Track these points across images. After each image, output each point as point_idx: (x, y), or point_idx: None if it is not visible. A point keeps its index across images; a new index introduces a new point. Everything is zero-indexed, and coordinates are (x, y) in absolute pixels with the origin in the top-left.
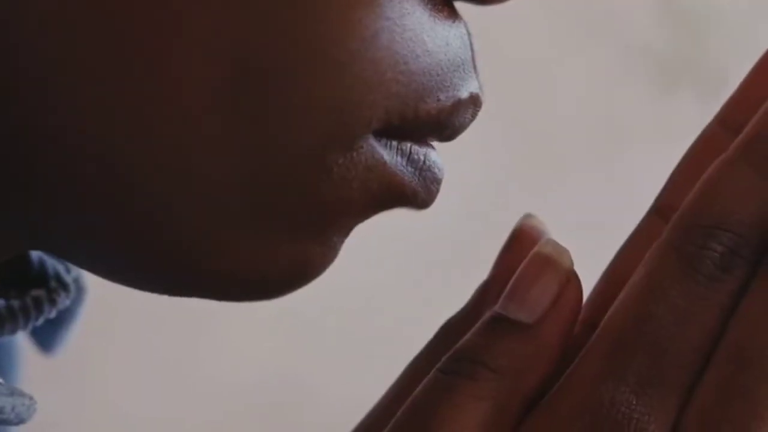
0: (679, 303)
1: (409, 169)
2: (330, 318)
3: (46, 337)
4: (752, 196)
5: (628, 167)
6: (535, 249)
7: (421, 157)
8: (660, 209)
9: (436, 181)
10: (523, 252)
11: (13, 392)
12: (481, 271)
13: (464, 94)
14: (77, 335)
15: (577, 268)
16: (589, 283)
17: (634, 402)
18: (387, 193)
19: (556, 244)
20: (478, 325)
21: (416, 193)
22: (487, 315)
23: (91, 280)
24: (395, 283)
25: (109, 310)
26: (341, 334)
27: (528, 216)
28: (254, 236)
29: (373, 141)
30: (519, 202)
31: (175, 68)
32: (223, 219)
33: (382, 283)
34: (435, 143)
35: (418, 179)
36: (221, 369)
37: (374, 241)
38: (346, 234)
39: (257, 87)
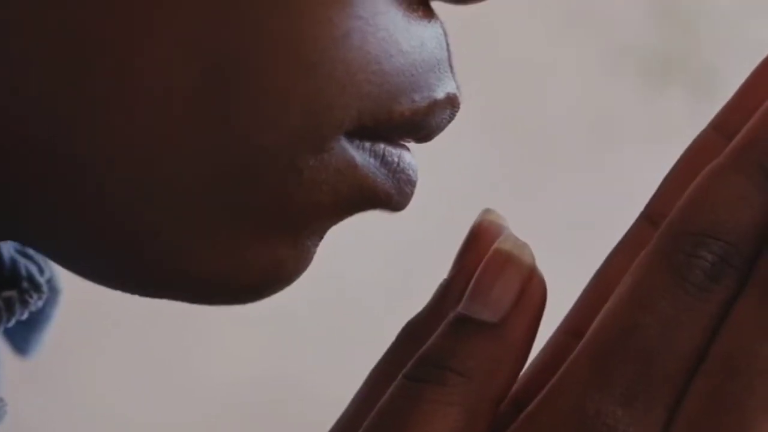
0: (668, 312)
1: (382, 171)
2: (320, 317)
3: (20, 339)
4: (743, 204)
5: (618, 166)
6: (495, 246)
7: (395, 159)
8: (650, 215)
9: (410, 183)
10: (483, 249)
11: None
12: None
13: (440, 95)
14: (65, 335)
15: (567, 268)
16: (578, 284)
17: (620, 413)
18: (359, 196)
19: (516, 240)
20: (441, 327)
21: (389, 195)
22: (450, 316)
23: (78, 279)
24: (387, 282)
25: (97, 311)
26: (332, 332)
27: (487, 211)
28: (225, 239)
29: (344, 142)
30: (509, 201)
31: (142, 69)
32: (193, 221)
33: (373, 282)
34: (417, 144)
35: (392, 181)
36: (211, 368)
37: (366, 239)
38: (320, 236)
39: (226, 87)
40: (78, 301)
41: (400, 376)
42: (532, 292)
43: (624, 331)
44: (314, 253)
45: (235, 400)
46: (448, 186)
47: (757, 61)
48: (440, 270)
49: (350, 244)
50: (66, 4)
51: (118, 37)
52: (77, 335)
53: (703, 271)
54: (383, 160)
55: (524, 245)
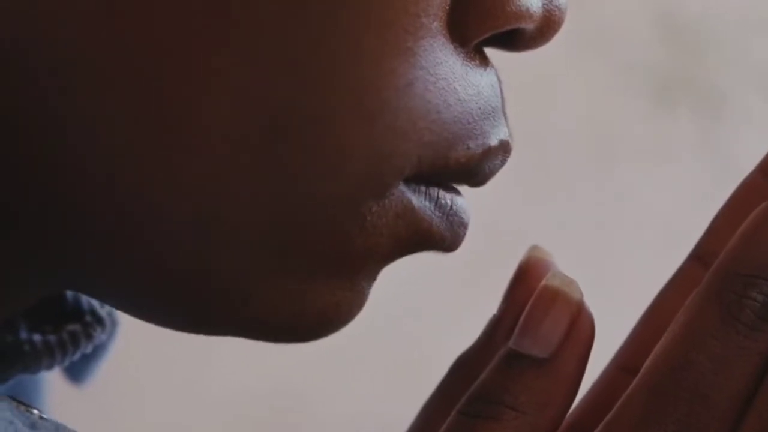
0: (719, 352)
1: (437, 213)
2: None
3: (78, 370)
4: None
5: (624, 184)
6: (543, 282)
7: (449, 202)
8: (700, 255)
9: (463, 226)
10: (531, 285)
11: (58, 428)
12: (478, 283)
13: (494, 142)
14: None
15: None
16: (585, 297)
17: None
18: (415, 238)
19: (563, 276)
20: (493, 363)
21: (443, 237)
22: (501, 352)
23: None
24: (395, 296)
25: None
26: (340, 344)
27: (534, 248)
28: (286, 282)
29: (403, 187)
30: (515, 216)
31: (207, 120)
32: (257, 266)
33: (382, 296)
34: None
35: (446, 224)
36: (223, 379)
37: None
38: (374, 278)
39: (291, 137)
40: None
41: (454, 411)
42: (580, 328)
43: (677, 370)
44: (368, 295)
45: (244, 412)
46: None
47: (763, 81)
48: (448, 283)
49: None
50: (133, 59)
51: (182, 88)
52: None
53: (754, 312)
54: (437, 204)
55: (572, 281)
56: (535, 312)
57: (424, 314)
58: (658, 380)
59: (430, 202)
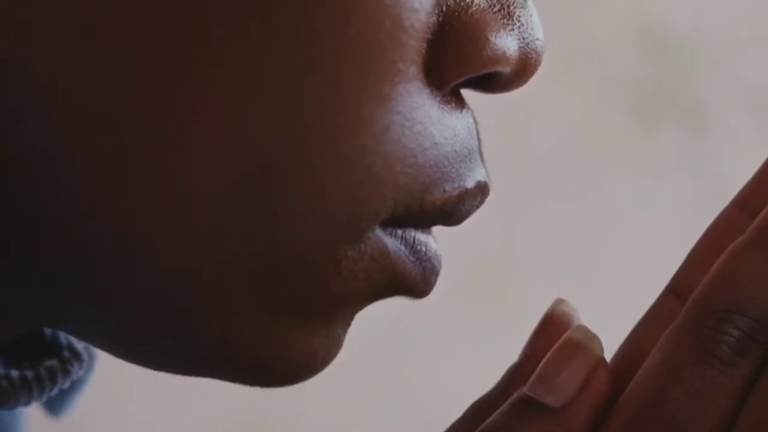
0: (695, 386)
1: (411, 258)
2: None
3: (57, 403)
4: (767, 281)
5: (609, 200)
6: (567, 334)
7: (423, 248)
8: (676, 289)
9: (435, 273)
10: (554, 336)
11: None
12: (463, 299)
13: (470, 184)
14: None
15: (552, 299)
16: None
17: None
18: (390, 282)
19: (587, 331)
20: (505, 405)
21: (416, 282)
22: (515, 396)
23: None
24: (386, 312)
25: None
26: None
27: (560, 301)
28: (265, 327)
29: (379, 231)
30: (497, 232)
31: (190, 166)
32: (233, 310)
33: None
34: None
35: (419, 269)
36: (213, 388)
37: None
38: (349, 323)
39: (271, 183)
40: None
41: None
42: (596, 383)
43: (653, 404)
44: (343, 341)
45: (235, 420)
46: None
47: (747, 98)
48: (434, 298)
49: None
50: (118, 107)
51: (165, 136)
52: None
53: (729, 347)
54: (412, 249)
55: (594, 337)
56: (555, 361)
57: (409, 331)
58: (634, 414)
59: (405, 246)
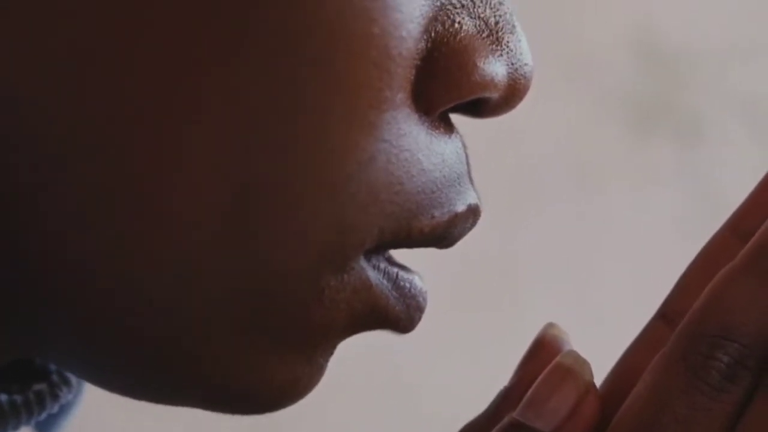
0: (685, 413)
1: (394, 294)
2: None
3: (45, 427)
4: (757, 307)
5: (604, 210)
6: (557, 359)
7: (407, 285)
8: (666, 314)
9: (419, 310)
10: (545, 360)
11: None
12: (459, 308)
13: (461, 208)
14: None
15: (547, 310)
16: (566, 322)
17: None
18: (371, 315)
19: (577, 356)
20: (495, 429)
21: (399, 318)
22: (505, 420)
23: None
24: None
25: None
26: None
27: (551, 325)
28: (247, 356)
29: (363, 262)
30: (492, 243)
31: (176, 192)
32: (216, 339)
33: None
34: None
35: (402, 306)
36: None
37: None
38: (331, 353)
39: (256, 209)
40: None
41: None
42: (586, 408)
43: (643, 431)
44: (325, 370)
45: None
46: None
47: (742, 108)
48: (429, 312)
49: None
50: (103, 129)
51: (152, 160)
52: None
53: (719, 373)
54: (395, 284)
55: (585, 362)
56: (545, 386)
57: (408, 338)
58: None
59: (388, 281)
